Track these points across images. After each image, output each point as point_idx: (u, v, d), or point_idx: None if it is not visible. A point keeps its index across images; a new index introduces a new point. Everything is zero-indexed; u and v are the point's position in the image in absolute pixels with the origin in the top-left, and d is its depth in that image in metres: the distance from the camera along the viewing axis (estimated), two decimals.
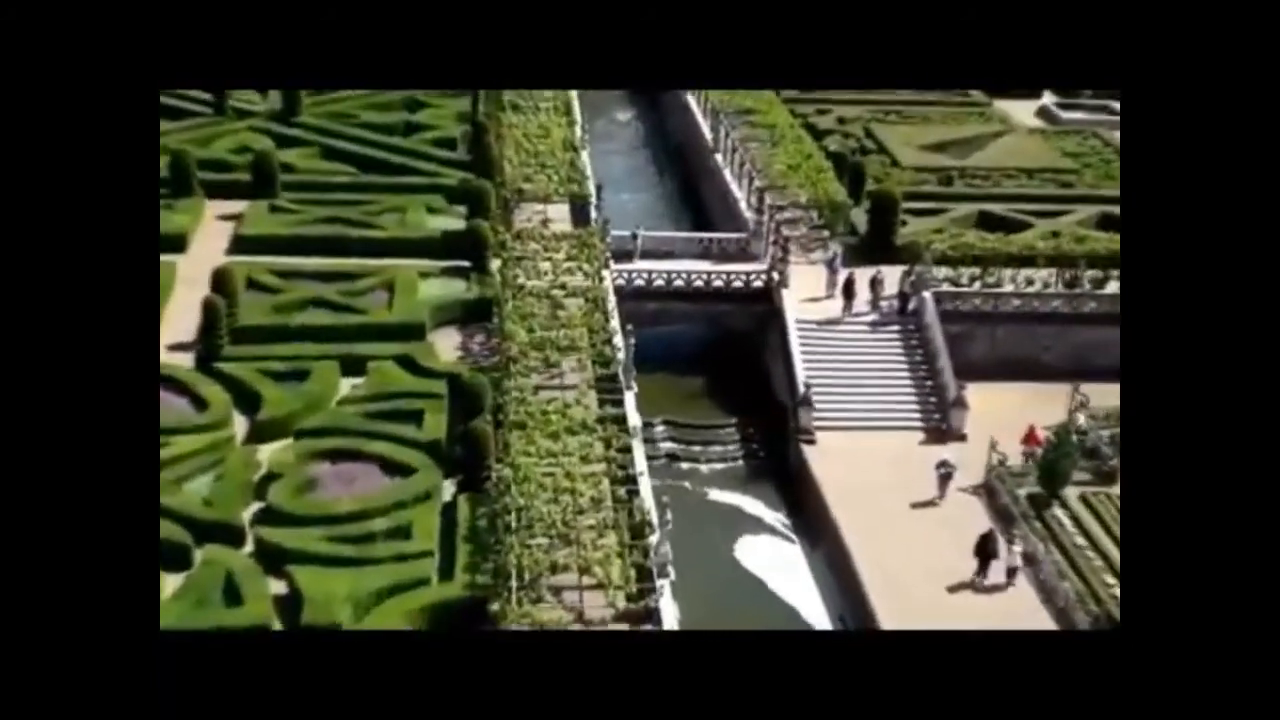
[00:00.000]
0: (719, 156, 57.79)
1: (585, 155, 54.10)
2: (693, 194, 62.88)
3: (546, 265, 43.99)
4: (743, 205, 52.76)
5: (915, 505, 37.83)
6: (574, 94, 61.56)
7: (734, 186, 54.75)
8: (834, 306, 45.80)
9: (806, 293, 46.17)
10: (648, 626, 28.36)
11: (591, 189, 50.16)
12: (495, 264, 44.56)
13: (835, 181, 52.53)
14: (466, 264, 44.64)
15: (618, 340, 39.61)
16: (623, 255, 47.32)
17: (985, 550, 34.57)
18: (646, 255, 48.26)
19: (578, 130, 56.44)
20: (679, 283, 46.63)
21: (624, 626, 28.29)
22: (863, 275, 45.71)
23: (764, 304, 46.27)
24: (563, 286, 42.62)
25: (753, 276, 46.80)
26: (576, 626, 28.05)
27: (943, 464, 38.38)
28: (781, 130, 58.04)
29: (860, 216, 50.87)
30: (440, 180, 50.86)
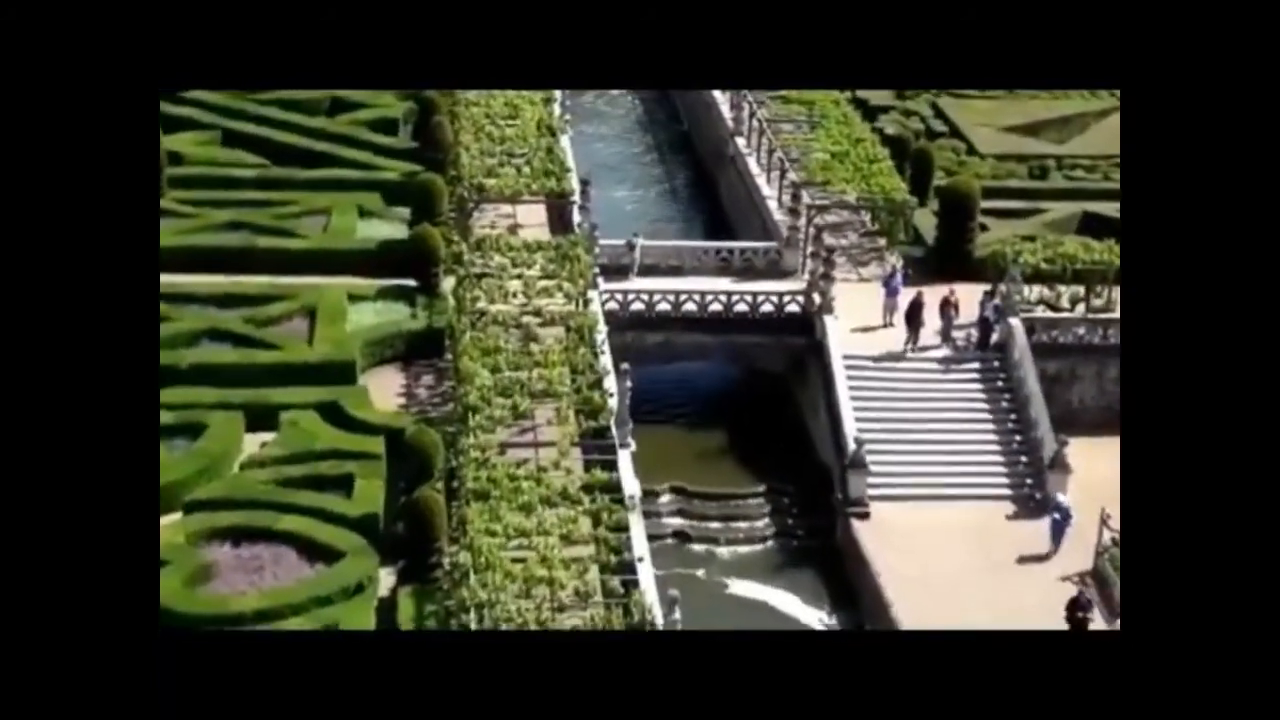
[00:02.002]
0: (741, 142, 58.15)
1: (566, 141, 54.37)
2: (707, 191, 63.22)
3: (516, 285, 44.12)
4: (773, 205, 53.03)
5: (1001, 597, 37.74)
6: None
7: (761, 181, 55.05)
8: (893, 338, 46.02)
9: (857, 320, 46.41)
10: None
11: (575, 185, 50.35)
12: (448, 283, 44.77)
13: (894, 174, 52.79)
14: (411, 283, 44.88)
15: (609, 383, 39.70)
16: (616, 271, 47.60)
17: (1076, 617, 35.75)
18: (647, 271, 48.56)
19: (556, 109, 56.76)
20: (690, 306, 46.85)
21: None
22: (931, 296, 45.91)
23: (801, 335, 46.52)
24: (537, 313, 42.74)
25: (787, 299, 47.05)
26: None
27: (1057, 508, 38.92)
28: (823, 108, 58.35)
29: (927, 220, 51.17)
30: (376, 174, 51.15)
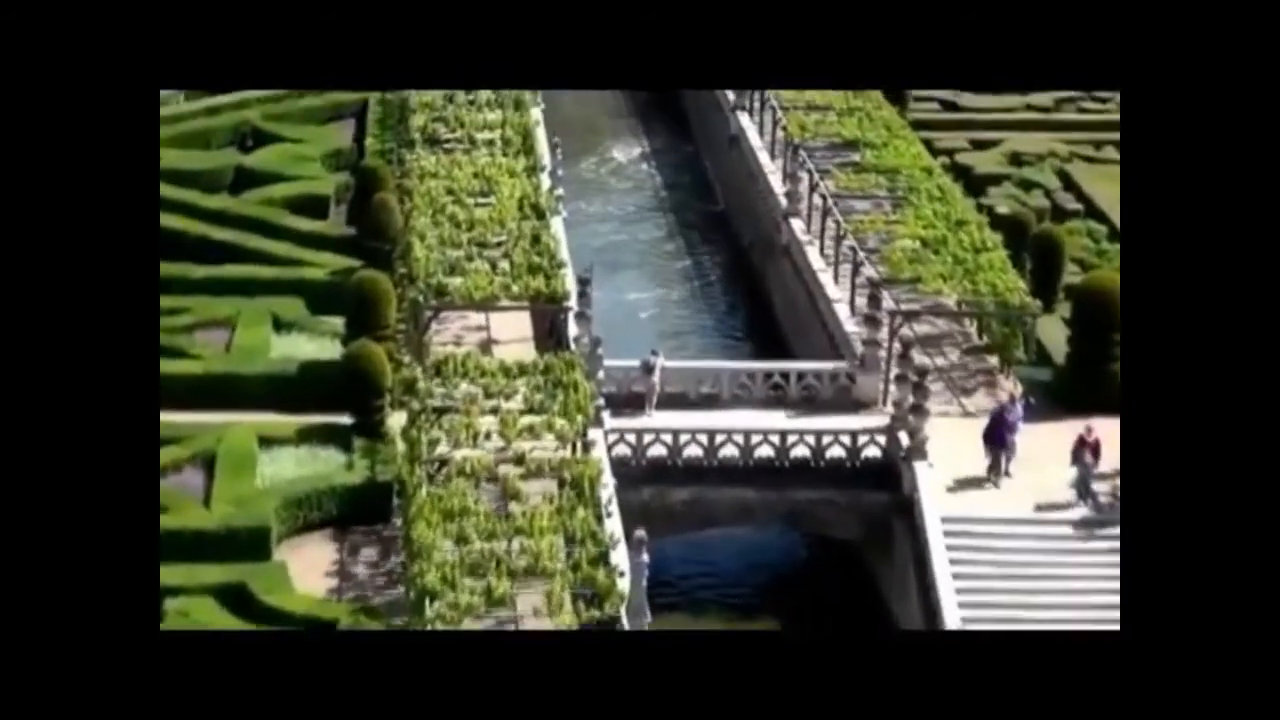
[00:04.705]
0: (798, 225, 58.52)
1: (558, 224, 54.66)
2: (752, 291, 63.60)
3: (490, 422, 44.18)
4: (842, 312, 53.27)
5: None
6: (537, 118, 62.42)
7: (826, 278, 55.33)
8: (1010, 494, 45.98)
9: (960, 469, 46.44)
10: None
11: (570, 284, 50.51)
12: (397, 421, 45.00)
13: (1009, 269, 52.87)
14: (345, 420, 45.17)
15: (618, 557, 39.65)
16: (628, 403, 47.87)
17: None
18: (670, 403, 48.72)
19: (545, 180, 57.10)
20: (729, 451, 47.00)
21: None
22: (1062, 435, 45.99)
23: (884, 490, 46.65)
24: (519, 460, 42.71)
25: (863, 440, 47.21)
26: None
27: None
28: (911, 178, 58.58)
29: (1055, 331, 51.45)
30: (298, 271, 51.72)
